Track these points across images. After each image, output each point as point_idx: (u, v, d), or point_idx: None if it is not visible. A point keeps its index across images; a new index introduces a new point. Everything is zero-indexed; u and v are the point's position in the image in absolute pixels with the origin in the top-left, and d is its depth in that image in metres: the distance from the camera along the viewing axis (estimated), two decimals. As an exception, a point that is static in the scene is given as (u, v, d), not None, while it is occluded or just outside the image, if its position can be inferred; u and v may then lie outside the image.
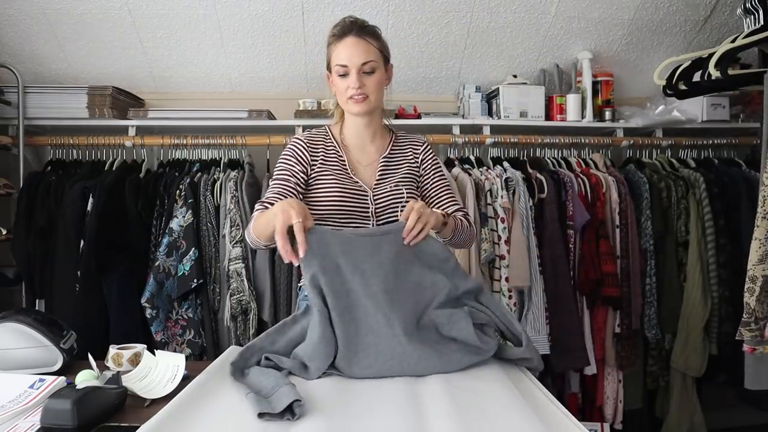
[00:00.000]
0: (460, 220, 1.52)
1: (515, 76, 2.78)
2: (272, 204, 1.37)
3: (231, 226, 2.31)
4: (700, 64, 1.98)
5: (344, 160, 1.52)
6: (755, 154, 2.73)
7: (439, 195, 1.57)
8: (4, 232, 2.38)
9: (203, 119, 2.57)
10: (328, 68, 1.51)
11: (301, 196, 1.46)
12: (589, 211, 2.43)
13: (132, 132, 2.56)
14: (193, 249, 2.24)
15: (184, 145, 2.52)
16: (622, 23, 2.74)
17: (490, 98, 2.81)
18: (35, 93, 2.51)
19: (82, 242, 2.25)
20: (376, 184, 1.51)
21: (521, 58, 2.84)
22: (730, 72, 1.83)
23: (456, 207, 1.57)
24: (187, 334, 2.25)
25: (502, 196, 2.38)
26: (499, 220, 2.38)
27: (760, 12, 1.86)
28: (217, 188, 2.38)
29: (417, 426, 0.92)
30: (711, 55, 1.84)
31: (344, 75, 1.46)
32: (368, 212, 1.48)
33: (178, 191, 2.32)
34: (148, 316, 2.20)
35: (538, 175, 2.49)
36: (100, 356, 1.37)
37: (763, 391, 1.71)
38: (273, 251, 2.35)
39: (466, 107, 2.78)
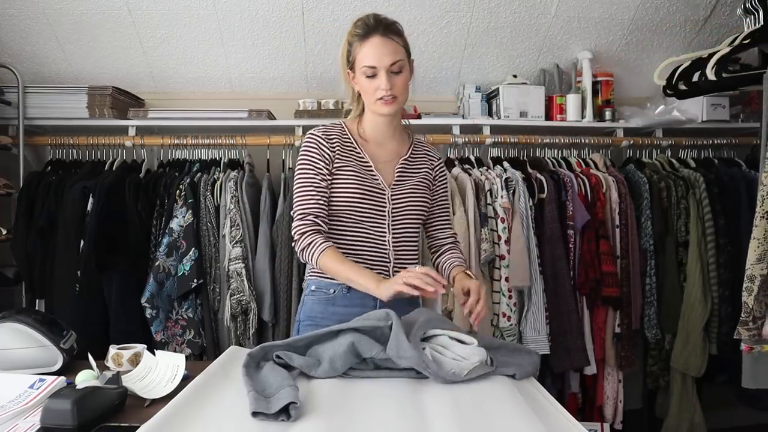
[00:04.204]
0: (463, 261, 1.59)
1: (515, 76, 2.78)
2: (310, 213, 1.42)
3: (231, 226, 2.31)
4: (700, 64, 1.98)
5: (363, 156, 1.50)
6: (755, 154, 2.73)
7: (441, 216, 1.64)
8: (4, 232, 2.38)
9: (203, 119, 2.57)
10: (351, 68, 1.47)
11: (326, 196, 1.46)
12: (589, 211, 2.43)
13: (132, 132, 2.56)
14: (193, 249, 2.24)
15: (184, 145, 2.52)
16: (622, 23, 2.74)
17: (490, 98, 2.80)
18: (35, 93, 2.51)
19: (82, 242, 2.25)
20: (394, 184, 1.51)
21: (521, 58, 2.84)
22: (730, 72, 1.83)
23: (451, 232, 1.65)
24: (187, 334, 2.25)
25: (502, 196, 2.38)
26: (499, 220, 2.38)
27: (760, 12, 1.86)
28: (217, 188, 2.37)
29: (417, 425, 0.92)
30: (711, 55, 1.84)
31: (372, 76, 1.43)
32: (385, 211, 1.48)
33: (178, 191, 2.32)
34: (148, 316, 2.20)
35: (538, 175, 2.48)
36: (100, 356, 1.36)
37: (763, 391, 1.72)
38: (273, 252, 2.36)
39: (466, 107, 2.78)
